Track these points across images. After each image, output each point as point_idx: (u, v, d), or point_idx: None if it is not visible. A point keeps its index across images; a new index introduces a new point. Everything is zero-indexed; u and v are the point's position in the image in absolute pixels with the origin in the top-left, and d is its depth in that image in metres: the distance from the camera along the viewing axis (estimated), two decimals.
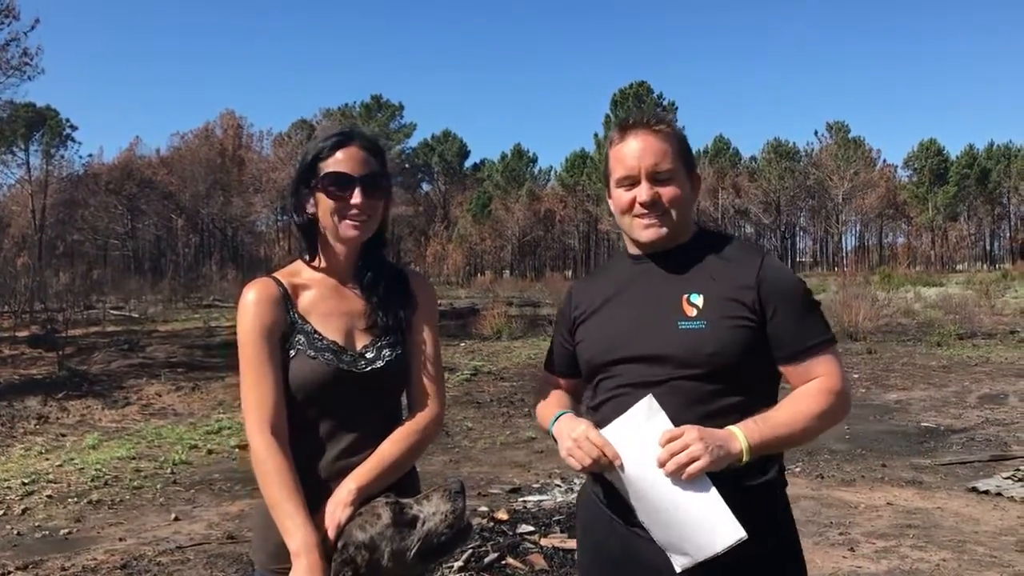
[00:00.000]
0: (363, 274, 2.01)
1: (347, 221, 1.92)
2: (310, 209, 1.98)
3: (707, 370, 1.85)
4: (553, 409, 2.05)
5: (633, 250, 2.06)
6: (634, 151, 1.95)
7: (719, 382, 1.86)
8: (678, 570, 1.80)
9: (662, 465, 1.75)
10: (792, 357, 1.90)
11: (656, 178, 1.94)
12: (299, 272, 2.01)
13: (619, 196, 1.99)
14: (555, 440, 1.98)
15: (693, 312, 1.89)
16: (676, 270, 1.97)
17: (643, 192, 1.94)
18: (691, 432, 1.74)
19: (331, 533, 1.78)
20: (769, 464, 1.91)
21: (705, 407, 1.84)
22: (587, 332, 2.07)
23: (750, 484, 1.85)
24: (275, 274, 2.01)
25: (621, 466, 1.81)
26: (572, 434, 1.88)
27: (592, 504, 2.06)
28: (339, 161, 1.92)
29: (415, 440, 1.97)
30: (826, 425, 1.91)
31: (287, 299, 1.95)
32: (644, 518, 1.84)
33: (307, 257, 2.02)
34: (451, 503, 1.79)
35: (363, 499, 1.83)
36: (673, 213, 1.95)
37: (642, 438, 1.80)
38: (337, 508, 1.81)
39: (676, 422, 1.77)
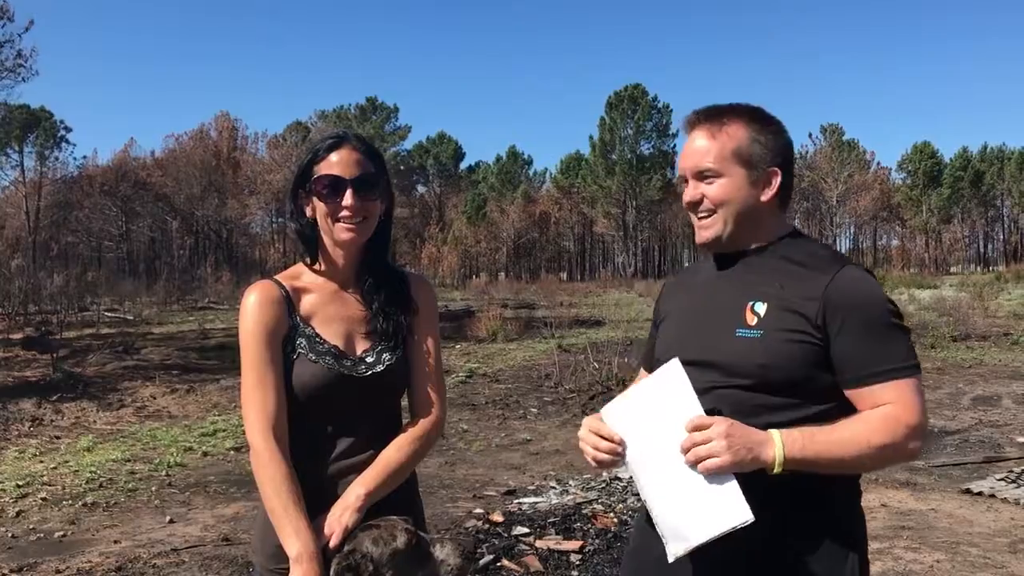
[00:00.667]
0: (364, 278, 2.01)
1: (340, 224, 1.92)
2: (309, 213, 1.98)
3: (756, 382, 1.75)
4: None
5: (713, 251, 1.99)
6: (684, 150, 1.91)
7: (772, 396, 1.75)
8: (670, 560, 1.72)
9: (685, 451, 1.67)
10: (855, 381, 1.73)
11: (701, 176, 1.87)
12: (300, 275, 2.01)
13: (683, 195, 1.94)
14: None
15: (754, 321, 1.79)
16: (748, 275, 1.86)
17: (686, 192, 1.90)
18: (719, 427, 1.65)
19: (337, 536, 1.78)
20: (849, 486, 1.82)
21: (752, 420, 1.71)
22: (663, 330, 2.04)
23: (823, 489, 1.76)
24: (277, 276, 2.02)
25: (624, 450, 1.76)
26: (585, 425, 1.85)
27: (645, 531, 1.93)
28: (332, 164, 1.92)
29: (418, 446, 1.98)
30: (886, 458, 1.76)
31: (289, 302, 1.95)
32: (649, 495, 1.77)
33: (308, 260, 2.02)
34: (463, 560, 1.76)
35: (369, 505, 1.84)
36: (721, 212, 1.85)
37: (665, 410, 1.74)
38: (345, 513, 1.82)
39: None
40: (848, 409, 1.75)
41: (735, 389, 1.77)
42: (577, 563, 4.83)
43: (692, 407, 1.72)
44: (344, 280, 2.01)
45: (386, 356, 1.97)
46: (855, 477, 1.85)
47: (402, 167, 79.89)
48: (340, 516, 1.82)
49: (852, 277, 1.77)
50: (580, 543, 5.09)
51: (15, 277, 23.37)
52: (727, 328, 1.81)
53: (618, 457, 1.79)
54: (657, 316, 2.12)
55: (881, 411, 1.71)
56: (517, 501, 6.21)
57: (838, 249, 2.46)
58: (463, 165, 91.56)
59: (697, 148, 1.87)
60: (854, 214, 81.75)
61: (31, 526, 5.84)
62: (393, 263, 2.11)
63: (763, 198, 1.85)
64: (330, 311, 1.97)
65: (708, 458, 1.64)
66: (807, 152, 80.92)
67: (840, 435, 1.69)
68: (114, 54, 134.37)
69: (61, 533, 5.67)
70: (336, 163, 1.92)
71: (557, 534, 5.29)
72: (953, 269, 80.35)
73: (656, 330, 2.10)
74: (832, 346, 1.73)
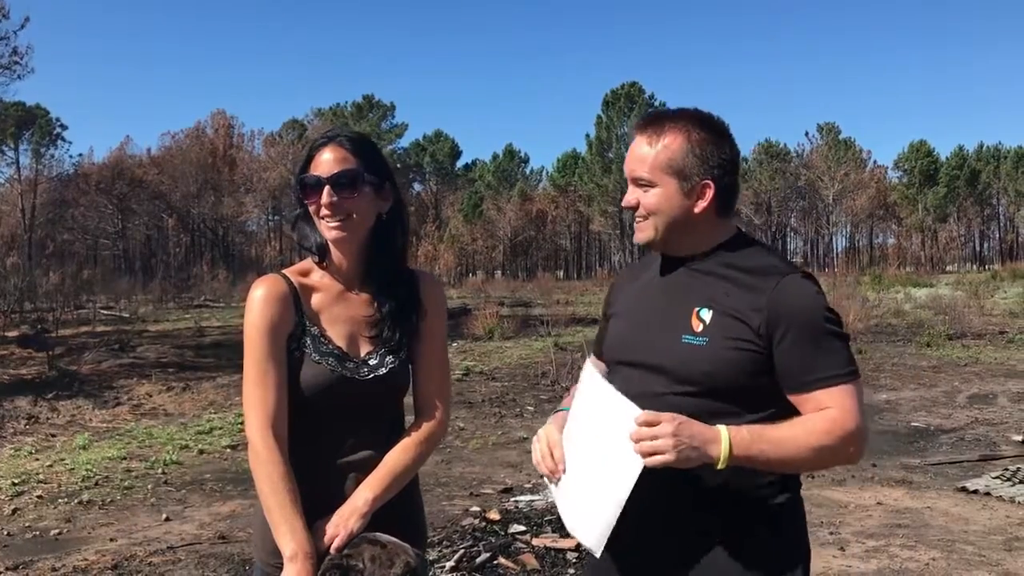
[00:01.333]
0: (372, 279, 2.01)
1: (323, 222, 1.93)
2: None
3: (702, 388, 1.80)
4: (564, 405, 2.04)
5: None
6: (628, 153, 1.95)
7: (716, 402, 1.79)
8: (597, 555, 1.82)
9: (635, 441, 1.70)
10: (797, 387, 1.79)
11: (637, 183, 1.92)
12: (309, 272, 2.00)
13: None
14: None
15: (699, 327, 1.83)
16: (694, 280, 1.90)
17: (626, 195, 1.95)
18: (667, 425, 1.68)
19: (341, 539, 1.78)
20: (790, 483, 1.88)
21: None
22: (613, 327, 2.07)
23: (770, 502, 1.84)
24: (285, 271, 2.01)
25: (563, 469, 1.85)
26: (539, 432, 1.94)
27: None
28: (317, 164, 1.93)
29: (423, 449, 1.98)
30: (824, 461, 1.84)
31: (296, 298, 1.94)
32: (561, 495, 1.87)
33: (316, 259, 2.02)
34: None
35: (375, 509, 1.85)
36: (652, 220, 1.89)
37: (594, 410, 1.82)
38: (352, 516, 1.82)
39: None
40: (790, 413, 1.81)
41: (682, 396, 1.81)
42: (574, 561, 4.83)
43: (621, 404, 1.76)
44: (350, 280, 2.00)
45: (389, 359, 1.96)
46: (789, 499, 1.90)
47: (399, 165, 79.76)
48: (347, 519, 1.82)
49: (794, 287, 1.82)
50: (576, 541, 5.09)
51: (11, 275, 23.35)
52: (673, 333, 1.86)
53: (551, 478, 1.89)
54: (608, 308, 2.16)
55: (822, 415, 1.76)
56: (514, 499, 6.22)
57: (785, 255, 2.48)
58: (460, 163, 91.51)
59: (635, 154, 1.91)
60: (850, 213, 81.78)
61: (27, 524, 5.83)
62: (404, 265, 2.08)
63: (696, 208, 1.88)
64: (336, 311, 1.97)
65: (654, 453, 1.68)
66: (803, 151, 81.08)
67: (782, 435, 1.75)
68: (110, 51, 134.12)
69: (57, 531, 5.67)
70: (317, 164, 1.93)
71: (554, 532, 5.29)
72: (949, 268, 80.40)
73: (607, 322, 2.14)
74: (775, 354, 1.79)
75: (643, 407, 1.74)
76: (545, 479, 1.93)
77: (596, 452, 1.80)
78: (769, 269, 1.86)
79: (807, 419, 1.77)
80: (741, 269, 1.87)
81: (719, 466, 1.69)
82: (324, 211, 1.91)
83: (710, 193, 1.88)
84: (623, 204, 1.95)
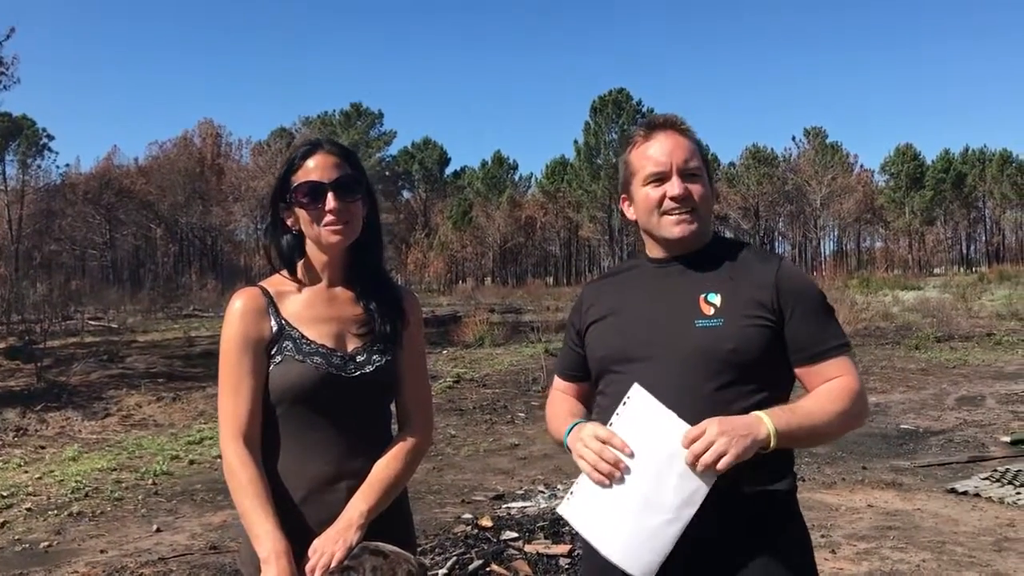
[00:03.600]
0: (356, 280, 2.02)
1: (326, 228, 1.93)
2: (291, 224, 1.98)
3: (727, 366, 1.84)
4: (566, 420, 1.99)
5: (655, 253, 2.04)
6: (665, 147, 1.95)
7: (738, 382, 1.84)
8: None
9: (691, 465, 1.72)
10: (810, 359, 1.89)
11: (686, 174, 1.94)
12: (286, 280, 2.01)
13: (647, 194, 1.96)
14: (570, 452, 1.91)
15: (711, 311, 1.88)
16: (691, 272, 1.96)
17: (675, 186, 1.93)
18: (712, 427, 1.71)
19: (341, 553, 1.79)
20: (784, 470, 1.91)
21: (723, 408, 1.79)
22: (601, 333, 2.04)
23: (770, 489, 1.87)
24: (263, 283, 2.02)
25: (630, 457, 1.77)
26: (581, 434, 1.86)
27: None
28: (309, 170, 1.93)
29: (412, 458, 2.00)
30: (849, 423, 1.90)
31: (274, 307, 1.95)
32: (597, 517, 1.79)
33: (285, 273, 2.01)
34: None
35: (370, 521, 1.86)
36: (701, 211, 1.95)
37: (643, 436, 1.77)
38: (350, 530, 1.83)
39: (693, 422, 1.74)
40: (790, 392, 1.92)
41: (705, 379, 1.84)
42: (566, 567, 4.83)
43: (674, 425, 1.76)
44: (332, 282, 2.01)
45: (376, 357, 1.97)
46: (792, 485, 1.95)
47: (387, 173, 79.79)
48: (345, 532, 1.82)
49: (793, 268, 1.99)
50: (569, 547, 5.09)
51: None
52: (684, 321, 1.89)
53: (615, 473, 1.77)
54: (580, 322, 2.12)
55: (837, 383, 1.88)
56: (506, 506, 6.21)
57: (773, 251, 2.65)
58: (448, 170, 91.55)
59: (683, 144, 1.96)
60: (838, 216, 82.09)
61: (16, 536, 5.80)
62: (383, 269, 2.11)
63: (714, 203, 2.05)
64: (318, 312, 1.97)
65: (717, 460, 1.70)
66: (791, 155, 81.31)
67: (810, 407, 1.84)
68: (96, 61, 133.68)
69: (47, 543, 5.63)
70: (313, 169, 1.93)
71: (546, 538, 5.28)
72: (936, 270, 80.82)
73: (579, 336, 2.11)
74: (786, 328, 1.89)
75: (674, 400, 1.77)
76: (574, 493, 1.83)
77: (649, 475, 1.76)
78: (763, 254, 2.01)
79: (826, 388, 1.88)
80: (736, 257, 1.97)
81: (772, 445, 1.75)
82: (329, 216, 1.92)
83: (716, 192, 2.07)
84: (672, 194, 1.93)
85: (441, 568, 4.80)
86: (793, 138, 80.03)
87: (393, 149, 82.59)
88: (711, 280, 1.92)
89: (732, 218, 79.12)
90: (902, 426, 9.09)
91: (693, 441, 1.72)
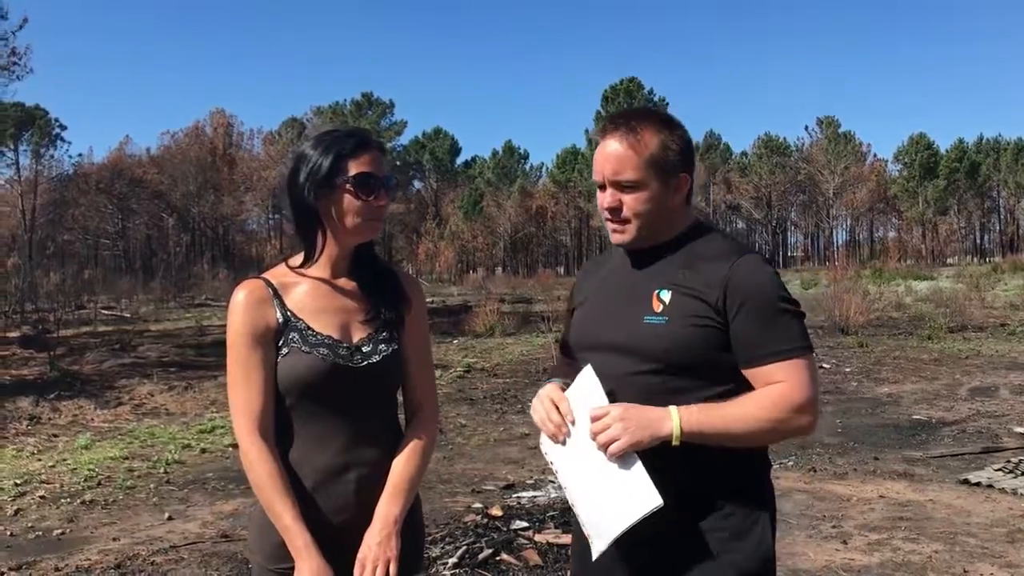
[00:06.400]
0: (359, 270, 2.02)
1: (371, 222, 1.95)
2: (324, 209, 1.94)
3: (664, 365, 1.85)
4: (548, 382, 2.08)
5: None
6: (600, 157, 1.95)
7: (679, 379, 1.86)
8: (594, 556, 1.84)
9: (593, 438, 1.81)
10: (749, 361, 1.85)
11: (619, 185, 1.92)
12: (288, 272, 2.00)
13: (599, 199, 2.00)
14: None
15: (659, 307, 1.89)
16: (655, 265, 1.96)
17: (605, 198, 1.95)
18: (615, 412, 1.78)
19: (394, 567, 1.85)
20: (730, 472, 1.91)
21: (661, 402, 1.82)
22: (574, 320, 2.12)
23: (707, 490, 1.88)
24: (265, 274, 2.01)
25: (569, 431, 1.87)
26: (541, 390, 1.97)
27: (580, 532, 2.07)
28: (366, 163, 1.92)
29: (427, 451, 2.02)
30: (777, 433, 1.87)
31: (278, 299, 1.94)
32: (572, 496, 1.89)
33: (294, 262, 2.00)
34: None
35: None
36: (636, 221, 1.93)
37: (582, 411, 1.86)
38: (391, 539, 1.88)
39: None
40: (749, 386, 1.87)
41: (646, 374, 1.88)
42: None
43: (599, 402, 1.84)
44: (336, 273, 2.00)
45: (382, 347, 1.96)
46: (758, 450, 1.96)
47: (398, 162, 79.84)
48: (388, 544, 1.87)
49: (749, 265, 1.89)
50: None
51: (11, 275, 23.37)
52: (635, 314, 1.92)
53: (557, 439, 1.89)
54: (571, 303, 2.20)
55: (772, 389, 1.83)
56: (516, 495, 6.22)
57: (746, 240, 2.57)
58: (459, 160, 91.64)
59: (615, 154, 1.92)
60: (850, 206, 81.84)
61: (30, 524, 5.83)
62: (386, 259, 2.13)
63: (674, 202, 1.96)
64: (323, 303, 1.97)
65: (610, 442, 1.78)
66: (803, 145, 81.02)
67: (733, 411, 1.82)
68: (108, 51, 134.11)
69: (60, 531, 5.67)
70: (371, 163, 1.93)
71: (556, 528, 5.29)
72: (950, 260, 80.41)
73: (571, 316, 2.18)
74: (730, 328, 1.85)
75: (612, 387, 1.84)
76: (548, 456, 1.94)
77: (583, 448, 1.85)
78: (726, 250, 1.93)
79: (757, 394, 1.84)
80: (700, 252, 1.94)
81: (673, 442, 1.78)
82: (376, 212, 1.94)
83: (686, 186, 1.98)
84: (603, 206, 1.96)
85: (451, 557, 4.81)
86: (806, 127, 79.80)
87: (404, 139, 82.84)
88: (668, 275, 1.92)
89: (744, 208, 78.90)
90: (914, 417, 9.05)
91: (596, 418, 1.80)
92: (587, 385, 1.88)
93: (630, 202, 1.92)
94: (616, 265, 2.08)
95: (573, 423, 1.87)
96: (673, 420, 1.78)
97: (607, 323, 1.97)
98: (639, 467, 1.77)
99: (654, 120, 1.95)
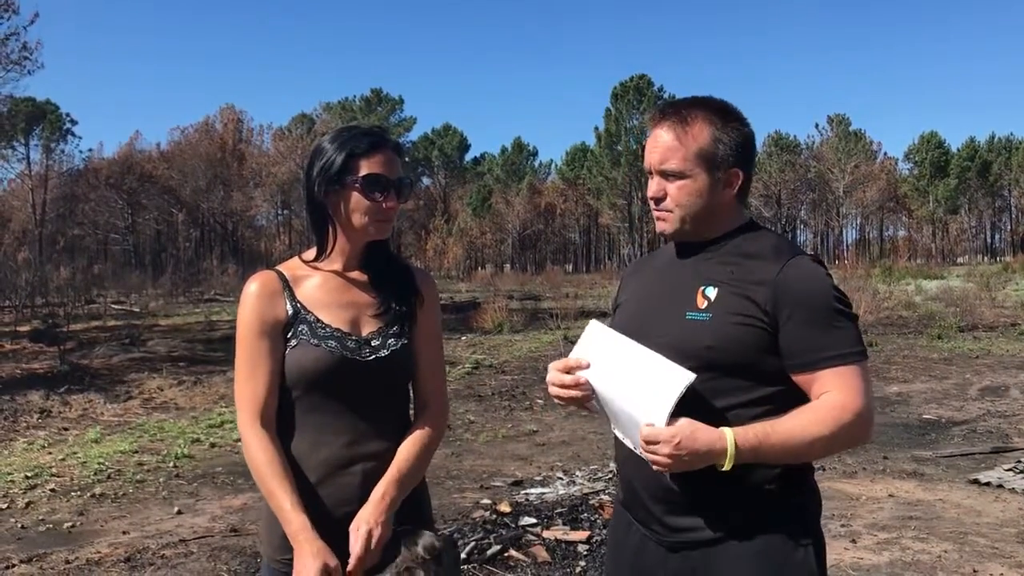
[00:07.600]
0: (371, 265, 2.02)
1: (376, 222, 1.94)
2: (331, 207, 1.95)
3: (704, 364, 1.77)
4: None
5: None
6: (650, 145, 1.92)
7: (721, 379, 1.80)
8: (639, 452, 1.79)
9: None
10: (800, 367, 1.79)
11: (664, 175, 1.89)
12: (302, 265, 2.02)
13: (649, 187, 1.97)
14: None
15: (704, 304, 1.84)
16: (703, 263, 1.92)
17: (649, 187, 1.93)
18: (666, 445, 1.70)
19: (378, 531, 1.83)
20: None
21: (704, 403, 1.78)
22: (619, 315, 2.09)
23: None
24: (279, 267, 2.03)
25: (588, 375, 1.86)
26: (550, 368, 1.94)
27: (617, 510, 2.07)
28: (378, 163, 1.92)
29: (430, 445, 2.01)
30: (836, 446, 1.82)
31: (289, 291, 1.95)
32: (623, 425, 1.86)
33: (307, 255, 2.02)
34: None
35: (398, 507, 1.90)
36: (679, 211, 1.89)
37: (593, 352, 1.88)
38: (380, 509, 1.86)
39: (676, 415, 1.73)
40: (796, 390, 1.81)
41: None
42: (584, 553, 4.83)
43: (629, 347, 1.83)
44: (349, 267, 2.01)
45: (391, 341, 1.96)
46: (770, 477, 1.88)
47: (407, 159, 79.50)
48: (378, 508, 1.85)
49: (801, 267, 1.83)
50: (587, 533, 5.09)
51: (22, 270, 23.48)
52: (678, 311, 1.88)
53: (583, 390, 1.87)
54: (616, 300, 2.18)
55: (826, 400, 1.76)
56: (524, 492, 6.22)
57: (794, 241, 2.52)
58: (468, 157, 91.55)
59: (663, 145, 1.89)
60: (860, 205, 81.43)
61: (40, 517, 5.86)
62: (396, 253, 2.13)
63: (723, 198, 1.90)
64: (334, 297, 1.97)
65: (656, 463, 1.74)
66: (813, 143, 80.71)
67: (791, 427, 1.74)
68: (119, 47, 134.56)
69: (70, 524, 5.70)
70: (384, 163, 1.93)
71: (564, 524, 5.29)
72: (960, 259, 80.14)
73: (614, 313, 2.16)
74: (780, 333, 1.79)
75: None
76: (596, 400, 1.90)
77: (612, 380, 1.85)
78: (777, 250, 1.87)
79: (813, 406, 1.77)
80: (749, 252, 1.88)
81: (726, 467, 1.71)
82: (386, 213, 1.94)
83: (738, 182, 1.91)
84: (649, 195, 1.93)
85: (460, 553, 4.81)
86: (816, 125, 79.54)
87: (413, 135, 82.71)
88: (716, 272, 1.87)
89: (754, 205, 78.60)
90: (924, 416, 9.02)
91: (649, 440, 1.73)
92: (597, 334, 1.91)
93: (674, 192, 1.89)
94: (663, 262, 2.05)
95: (588, 367, 1.87)
96: (728, 450, 1.70)
97: (650, 320, 1.93)
98: (658, 358, 1.76)
99: (708, 111, 1.89)
